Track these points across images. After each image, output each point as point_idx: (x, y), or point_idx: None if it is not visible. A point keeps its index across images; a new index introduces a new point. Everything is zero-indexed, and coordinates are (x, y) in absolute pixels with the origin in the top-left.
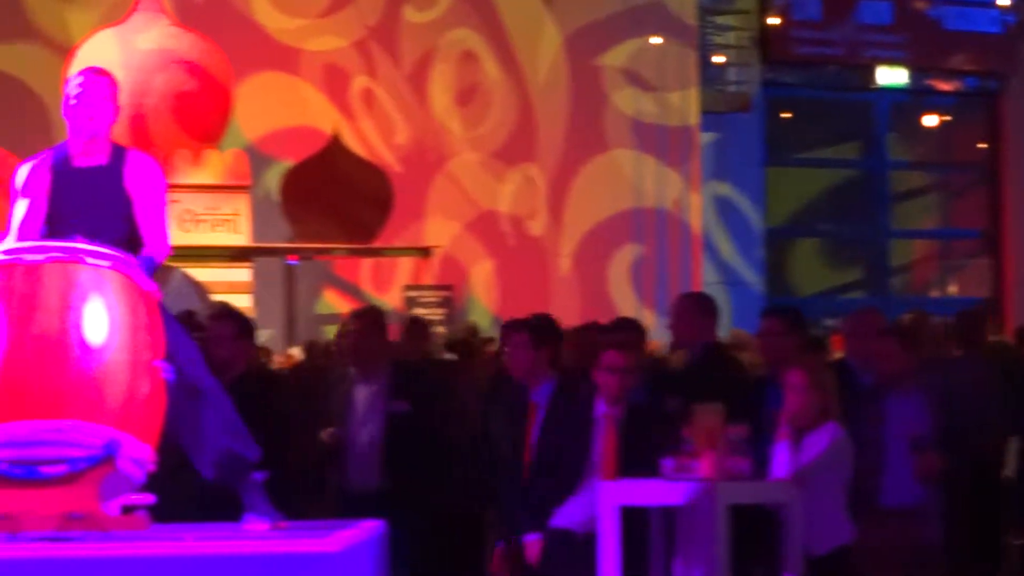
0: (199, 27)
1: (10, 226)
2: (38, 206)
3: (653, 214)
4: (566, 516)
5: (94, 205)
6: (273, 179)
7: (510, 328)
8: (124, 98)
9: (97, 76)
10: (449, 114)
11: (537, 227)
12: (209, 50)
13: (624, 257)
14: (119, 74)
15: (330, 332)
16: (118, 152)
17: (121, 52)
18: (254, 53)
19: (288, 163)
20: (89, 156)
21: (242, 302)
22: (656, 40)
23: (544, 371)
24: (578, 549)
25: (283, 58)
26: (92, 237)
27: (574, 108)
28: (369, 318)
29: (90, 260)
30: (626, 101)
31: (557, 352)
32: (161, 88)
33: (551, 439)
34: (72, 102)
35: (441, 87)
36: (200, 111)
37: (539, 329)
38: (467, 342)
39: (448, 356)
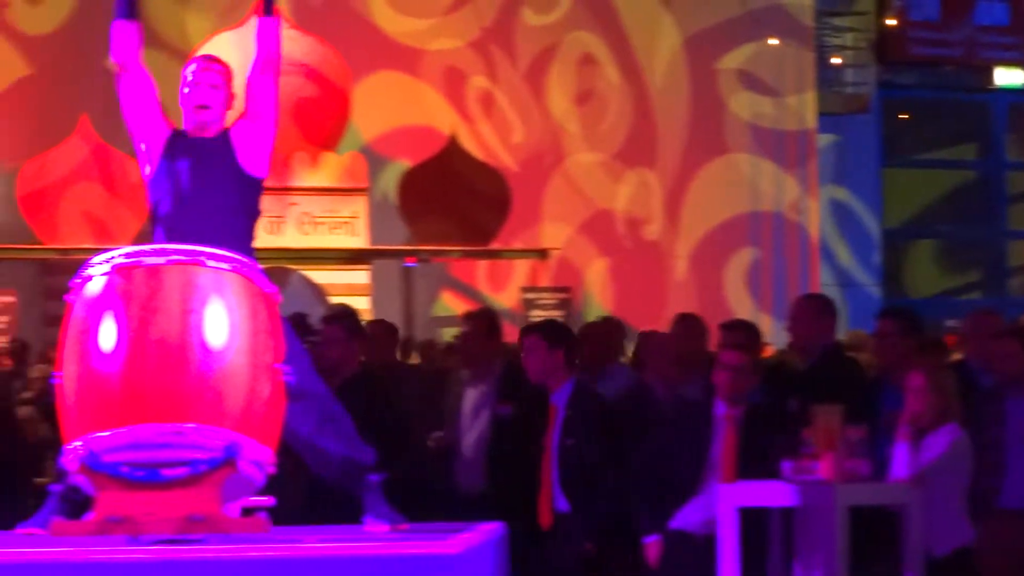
0: (316, 28)
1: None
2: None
3: (770, 217)
4: (685, 517)
5: (202, 181)
6: (390, 180)
7: (524, 332)
8: (242, 101)
9: (210, 63)
10: (567, 116)
11: (654, 230)
12: (327, 54)
13: (740, 261)
14: (238, 78)
15: (447, 334)
16: (227, 134)
17: (240, 55)
18: (371, 53)
19: (404, 163)
20: (202, 136)
21: (360, 304)
22: (773, 42)
23: (561, 373)
24: (697, 551)
25: (400, 58)
26: (199, 212)
27: (691, 111)
28: (481, 320)
29: (210, 263)
30: (743, 104)
31: (573, 354)
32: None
33: (571, 440)
34: (186, 90)
35: (559, 89)
36: (319, 116)
37: (552, 331)
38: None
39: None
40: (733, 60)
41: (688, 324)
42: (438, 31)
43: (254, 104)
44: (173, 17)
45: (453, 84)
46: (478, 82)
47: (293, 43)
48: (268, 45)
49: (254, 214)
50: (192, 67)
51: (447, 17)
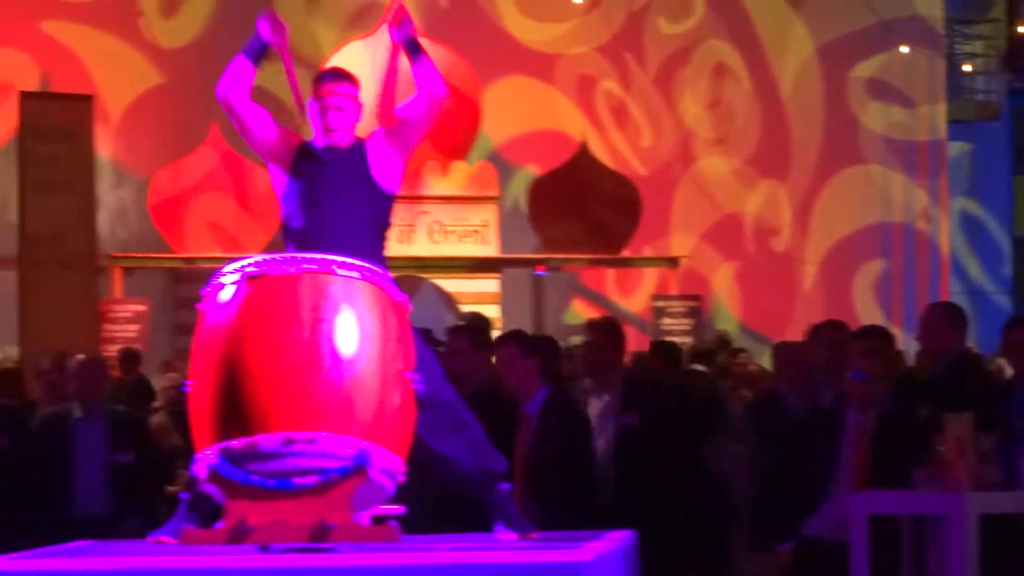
0: (444, 33)
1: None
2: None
3: (900, 228)
4: (817, 525)
5: (334, 192)
6: (520, 187)
7: (498, 340)
8: (373, 107)
9: (339, 79)
10: (698, 123)
11: (783, 238)
12: (458, 64)
13: (870, 271)
14: (369, 88)
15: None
16: (360, 144)
17: (371, 65)
18: (500, 58)
19: (534, 169)
20: (332, 151)
21: (490, 312)
22: (904, 50)
23: (535, 382)
24: (829, 558)
25: (529, 63)
26: (331, 225)
27: (822, 120)
28: (604, 329)
29: (341, 271)
30: (874, 113)
31: (549, 363)
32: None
33: (542, 450)
34: (315, 111)
35: (690, 96)
36: (450, 128)
37: (527, 341)
38: (714, 353)
39: (696, 367)
40: (865, 69)
41: (828, 332)
42: (569, 37)
43: (404, 135)
44: (303, 28)
45: (583, 90)
46: (608, 88)
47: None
48: (432, 88)
49: (385, 226)
50: (321, 84)
51: (578, 23)
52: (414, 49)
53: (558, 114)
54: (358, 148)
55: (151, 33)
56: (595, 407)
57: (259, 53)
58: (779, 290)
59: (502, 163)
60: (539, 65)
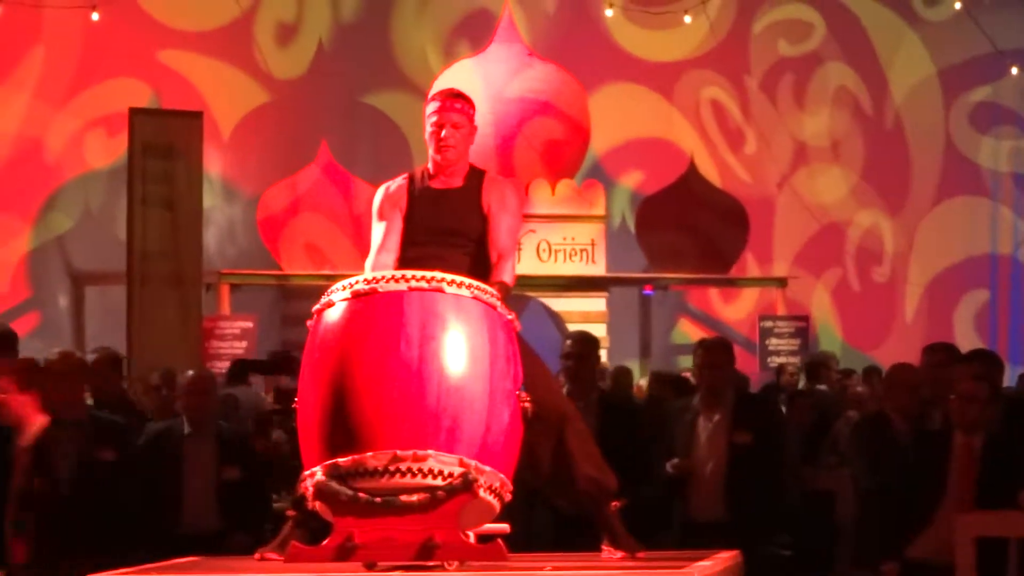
0: (551, 38)
1: (370, 248)
2: (395, 227)
3: (1007, 260)
4: (922, 546)
5: (449, 226)
6: (622, 197)
7: None
8: (487, 128)
9: (454, 100)
10: (810, 145)
11: (887, 265)
12: (568, 85)
13: (973, 301)
14: (481, 106)
15: (684, 362)
16: (475, 174)
17: (482, 84)
18: (607, 68)
19: (640, 180)
20: (446, 178)
21: (597, 331)
22: (1015, 71)
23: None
24: None
25: (637, 72)
26: (446, 258)
27: (935, 145)
28: (716, 349)
29: (450, 289)
30: (985, 144)
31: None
32: (524, 131)
33: None
34: (430, 128)
35: (806, 118)
36: (561, 152)
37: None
38: (822, 373)
39: (805, 387)
40: (978, 95)
41: (937, 355)
42: (681, 50)
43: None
44: (415, 51)
45: (694, 106)
46: (719, 102)
47: (533, 73)
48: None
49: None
50: (433, 105)
51: (689, 37)
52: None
53: (668, 129)
54: (472, 185)
55: (265, 64)
56: (706, 425)
57: None
58: (881, 314)
59: (606, 173)
60: (648, 76)
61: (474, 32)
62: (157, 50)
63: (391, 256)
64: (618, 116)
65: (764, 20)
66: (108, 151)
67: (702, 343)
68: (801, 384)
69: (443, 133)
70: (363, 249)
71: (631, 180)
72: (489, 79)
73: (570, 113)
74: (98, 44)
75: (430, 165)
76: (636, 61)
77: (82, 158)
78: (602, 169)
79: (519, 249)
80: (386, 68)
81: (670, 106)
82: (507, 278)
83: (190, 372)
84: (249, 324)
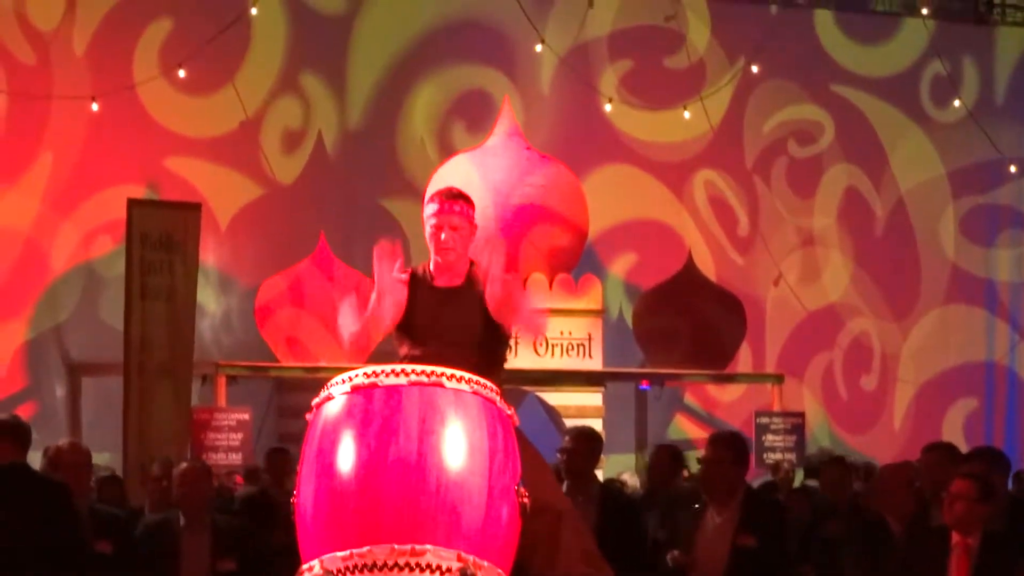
0: (545, 118)
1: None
2: (398, 293)
3: (1002, 369)
4: None
5: (451, 326)
6: (619, 290)
7: None
8: (488, 223)
9: (453, 201)
10: (808, 241)
11: (879, 368)
12: (569, 186)
13: (962, 408)
14: (481, 202)
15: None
16: (476, 272)
17: (481, 183)
18: (601, 147)
19: (631, 257)
20: (447, 277)
21: (594, 427)
22: (1013, 169)
23: None
24: None
25: (630, 154)
26: (448, 358)
27: (942, 251)
28: (723, 445)
29: (450, 383)
30: (992, 250)
31: None
32: (527, 238)
33: None
34: (430, 230)
35: (809, 215)
36: (562, 254)
37: None
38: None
39: (809, 483)
40: (983, 199)
41: (935, 454)
42: (680, 135)
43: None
44: (418, 154)
45: (690, 192)
46: (717, 192)
47: (534, 179)
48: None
49: (498, 356)
50: (432, 207)
51: (691, 126)
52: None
53: (662, 209)
54: (473, 284)
55: (269, 167)
56: (711, 522)
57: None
58: (873, 413)
59: (598, 256)
60: (644, 158)
61: (470, 113)
62: (162, 157)
63: (391, 308)
64: (612, 197)
65: (772, 120)
66: (105, 242)
67: (711, 438)
68: (798, 481)
69: (443, 236)
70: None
71: (625, 263)
72: (488, 176)
73: (571, 218)
74: (101, 149)
75: (430, 265)
76: (632, 143)
77: (80, 251)
78: (594, 252)
79: (514, 340)
80: (390, 172)
81: (665, 189)
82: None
83: (183, 464)
84: (245, 416)
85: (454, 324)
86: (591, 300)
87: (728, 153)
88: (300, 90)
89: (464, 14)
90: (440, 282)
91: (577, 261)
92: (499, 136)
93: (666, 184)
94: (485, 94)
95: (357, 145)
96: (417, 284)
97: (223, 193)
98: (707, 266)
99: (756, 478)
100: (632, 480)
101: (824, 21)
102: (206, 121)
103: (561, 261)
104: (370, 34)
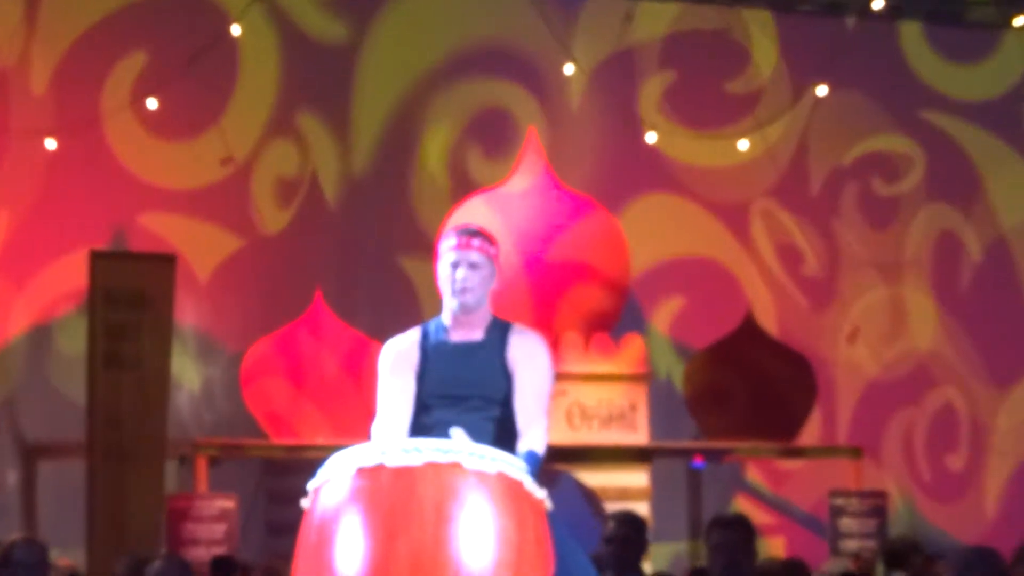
0: (578, 148)
1: (376, 413)
2: (407, 388)
3: None
4: None
5: (469, 388)
6: (667, 351)
7: None
8: (512, 279)
9: (471, 236)
10: (891, 292)
11: (972, 442)
12: (610, 237)
13: None
14: (502, 253)
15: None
16: (498, 326)
17: (503, 229)
18: (640, 172)
19: (679, 300)
20: (465, 330)
21: (639, 510)
22: None
23: None
24: None
25: (673, 182)
26: (466, 425)
27: None
28: (732, 527)
29: (471, 462)
30: None
31: None
32: (560, 297)
33: None
34: (444, 269)
35: (899, 256)
36: (594, 302)
37: None
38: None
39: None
40: None
41: None
42: (745, 173)
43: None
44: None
45: (753, 232)
46: (779, 227)
47: (564, 215)
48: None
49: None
50: (448, 242)
51: (753, 154)
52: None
53: (713, 245)
54: (496, 338)
55: (261, 219)
56: None
57: None
58: (966, 492)
59: (636, 299)
60: (691, 185)
61: (489, 137)
62: (133, 210)
63: (403, 422)
64: (654, 232)
65: (849, 151)
66: (64, 303)
67: (718, 520)
68: (880, 573)
69: (459, 274)
70: (368, 415)
71: (670, 310)
72: (513, 224)
73: (613, 275)
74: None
75: (445, 316)
76: (677, 169)
77: (34, 313)
78: (634, 298)
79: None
80: (400, 222)
81: (717, 222)
82: (537, 448)
83: (157, 562)
84: (230, 504)
85: (472, 387)
86: (634, 362)
87: (792, 182)
88: (296, 131)
89: (484, 38)
90: (456, 336)
91: (618, 319)
92: (525, 174)
93: (718, 216)
94: (506, 114)
95: (362, 192)
96: (428, 341)
97: (202, 244)
98: (768, 315)
99: (830, 568)
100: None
101: (911, 35)
102: (185, 168)
103: (600, 320)
104: (377, 65)
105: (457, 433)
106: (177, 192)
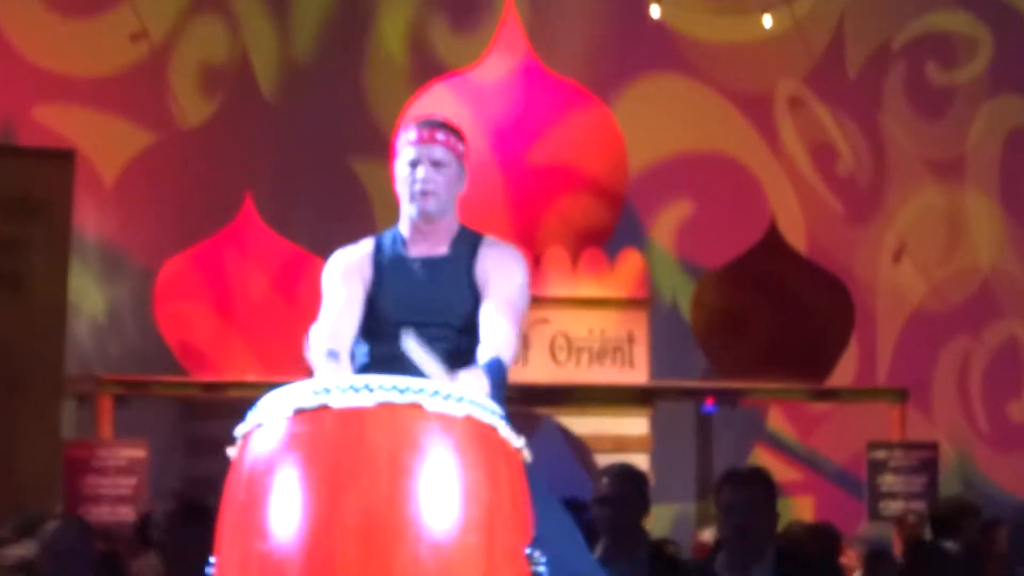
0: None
1: (312, 338)
2: (354, 301)
3: None
4: None
5: (429, 310)
6: (672, 271)
7: None
8: (486, 184)
9: (435, 129)
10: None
11: None
12: (605, 134)
13: None
14: (475, 154)
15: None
16: (466, 238)
17: (474, 124)
18: (639, 48)
19: (685, 205)
20: (427, 243)
21: (638, 463)
22: None
23: None
24: None
25: (681, 61)
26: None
27: None
28: (749, 484)
29: (433, 403)
30: None
31: None
32: (545, 210)
33: None
34: (402, 169)
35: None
36: (584, 209)
37: None
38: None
39: (948, 544)
40: None
41: None
42: (768, 51)
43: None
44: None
45: (769, 114)
46: (813, 122)
47: (549, 107)
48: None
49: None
50: (408, 134)
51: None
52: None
53: (728, 137)
54: (465, 247)
55: (181, 112)
56: None
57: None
58: None
59: (635, 207)
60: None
61: (457, 1)
62: (28, 104)
63: (348, 333)
64: (656, 121)
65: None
66: None
67: (731, 476)
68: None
69: (419, 173)
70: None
71: (675, 216)
72: (487, 118)
73: (608, 181)
74: None
75: (403, 226)
76: (685, 45)
77: None
78: (632, 203)
79: (523, 341)
80: (350, 118)
81: (733, 109)
82: (504, 354)
83: (51, 522)
84: (139, 452)
85: (434, 312)
86: (631, 284)
87: (827, 66)
88: (225, 6)
89: None
90: (416, 250)
91: (612, 232)
92: (501, 55)
93: (736, 103)
94: None
95: (303, 79)
96: (382, 255)
97: (108, 140)
98: (796, 226)
99: (869, 532)
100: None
101: None
102: (88, 51)
103: (591, 233)
104: None
105: (410, 342)
106: (78, 79)
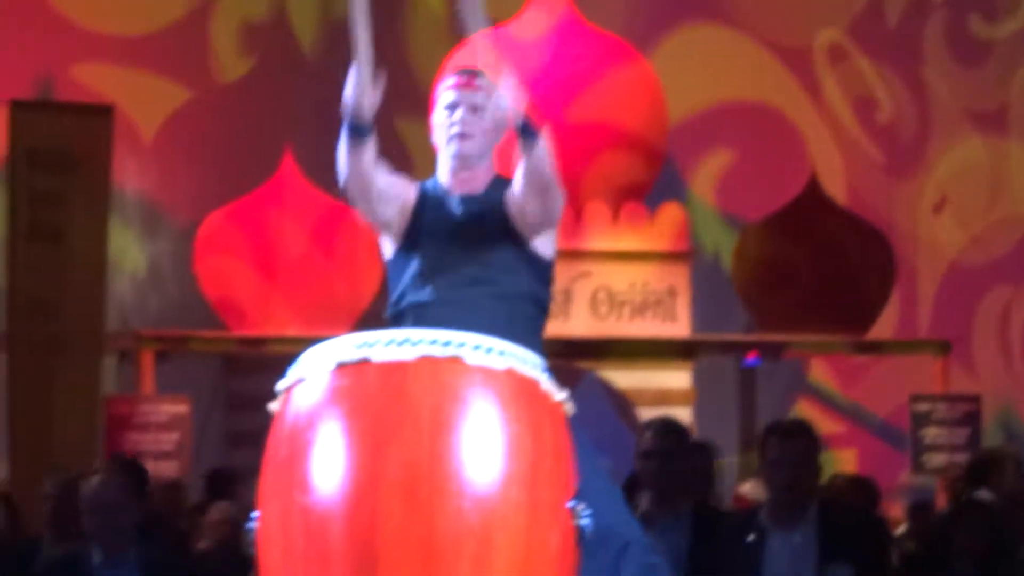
0: None
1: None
2: (392, 177)
3: None
4: None
5: (468, 248)
6: (713, 224)
7: None
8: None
9: (473, 77)
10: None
11: None
12: (646, 90)
13: None
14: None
15: None
16: (501, 184)
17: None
18: (682, 3)
19: (725, 157)
20: (461, 189)
21: (680, 417)
22: None
23: None
24: None
25: (718, 10)
26: (468, 305)
27: None
28: (792, 435)
29: (475, 357)
30: None
31: None
32: (587, 167)
33: None
34: (440, 116)
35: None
36: (625, 163)
37: None
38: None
39: (985, 493)
40: None
41: None
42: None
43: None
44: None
45: (810, 65)
46: (856, 76)
47: (590, 64)
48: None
49: (540, 301)
50: (447, 82)
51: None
52: (527, 133)
53: (768, 86)
54: (495, 193)
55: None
56: (780, 546)
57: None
58: None
59: (673, 160)
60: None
61: None
62: (69, 62)
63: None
64: (695, 72)
65: None
66: None
67: (775, 429)
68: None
69: (456, 115)
70: (348, 300)
71: (715, 167)
72: (527, 74)
73: (649, 137)
74: None
75: (442, 172)
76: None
77: None
78: (671, 157)
79: (564, 296)
80: (391, 74)
81: (774, 60)
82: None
83: (95, 479)
84: (181, 408)
85: (473, 250)
86: (672, 237)
87: (868, 13)
88: None
89: None
90: (454, 193)
91: (652, 185)
92: (540, 10)
93: (775, 53)
94: None
95: (343, 35)
96: (425, 200)
97: (147, 96)
98: (837, 177)
99: (914, 487)
100: (756, 493)
101: None
102: (128, 9)
103: (631, 188)
104: None
105: None
106: (117, 37)
